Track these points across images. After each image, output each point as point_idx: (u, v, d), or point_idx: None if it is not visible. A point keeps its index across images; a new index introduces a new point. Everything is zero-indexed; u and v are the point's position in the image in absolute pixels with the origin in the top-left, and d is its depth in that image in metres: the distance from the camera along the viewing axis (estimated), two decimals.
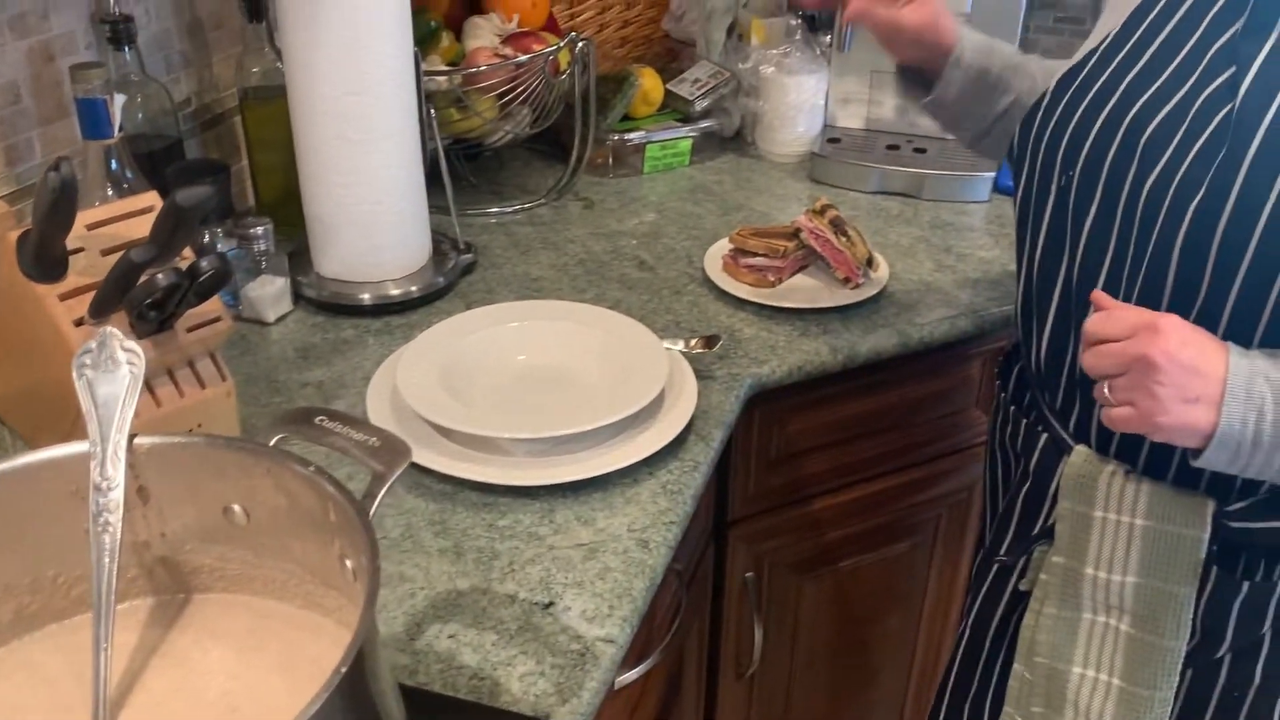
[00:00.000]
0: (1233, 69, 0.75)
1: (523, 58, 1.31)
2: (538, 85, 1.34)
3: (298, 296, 1.20)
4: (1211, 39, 0.77)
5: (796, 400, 1.18)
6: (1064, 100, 0.85)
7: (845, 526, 1.31)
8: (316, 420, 0.63)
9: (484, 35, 1.37)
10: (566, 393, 1.01)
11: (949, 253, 1.33)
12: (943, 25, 1.00)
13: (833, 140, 1.56)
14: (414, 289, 1.20)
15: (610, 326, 1.07)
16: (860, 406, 1.24)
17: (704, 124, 1.57)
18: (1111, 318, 0.73)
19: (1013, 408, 0.97)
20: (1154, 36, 0.81)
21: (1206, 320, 0.75)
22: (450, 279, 1.23)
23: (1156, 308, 0.77)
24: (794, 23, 1.58)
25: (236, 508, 0.65)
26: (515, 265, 1.30)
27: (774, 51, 1.56)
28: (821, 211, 1.24)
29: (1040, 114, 0.88)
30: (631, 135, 1.53)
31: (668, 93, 1.58)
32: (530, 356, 1.04)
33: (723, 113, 1.60)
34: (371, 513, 0.59)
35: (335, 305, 1.19)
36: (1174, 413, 0.70)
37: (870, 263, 1.23)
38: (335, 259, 1.19)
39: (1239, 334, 0.74)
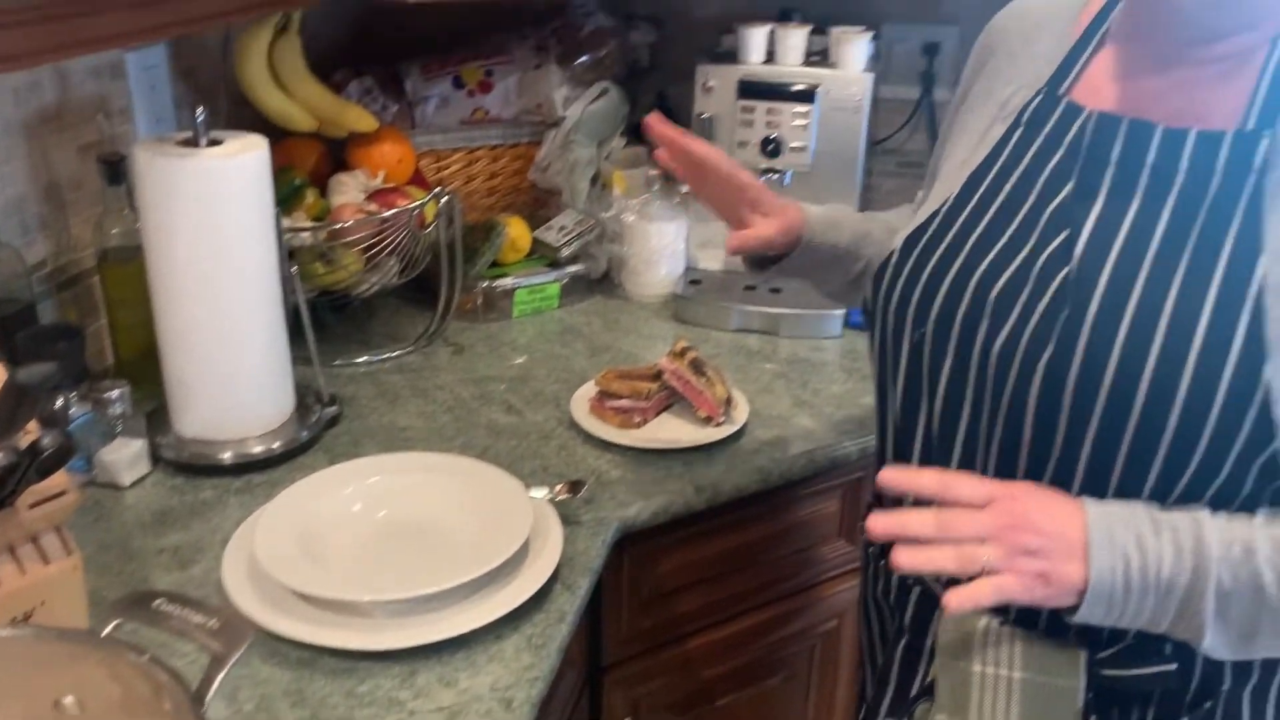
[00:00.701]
0: (1067, 231, 0.80)
1: (387, 213, 1.34)
2: (403, 238, 1.37)
3: (157, 458, 1.18)
4: (1047, 200, 0.83)
5: (665, 540, 1.20)
6: (911, 260, 0.89)
7: (720, 664, 1.31)
8: (154, 604, 0.62)
9: (349, 191, 1.40)
10: (429, 548, 1.01)
11: (805, 388, 1.39)
12: (794, 218, 1.05)
13: (694, 282, 1.62)
14: (276, 445, 1.19)
15: (474, 476, 1.07)
16: (727, 543, 1.26)
17: (571, 269, 1.62)
18: (965, 484, 0.75)
19: (882, 562, 0.98)
20: (993, 198, 0.86)
21: (1065, 467, 0.78)
22: (314, 432, 1.22)
23: (1016, 457, 0.81)
24: (652, 173, 1.66)
25: (69, 699, 0.62)
26: (382, 415, 1.30)
27: (635, 201, 1.63)
28: (681, 353, 1.28)
29: (889, 273, 0.91)
30: (500, 281, 1.56)
31: (536, 240, 1.63)
32: (392, 512, 1.04)
33: (589, 257, 1.65)
34: (208, 698, 0.58)
35: (195, 466, 1.17)
36: (1052, 574, 0.73)
37: (729, 401, 1.27)
38: (195, 418, 1.17)
39: (1096, 480, 0.77)
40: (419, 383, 1.38)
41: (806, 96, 1.47)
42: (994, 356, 0.81)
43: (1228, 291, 0.74)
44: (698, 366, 1.27)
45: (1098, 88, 0.85)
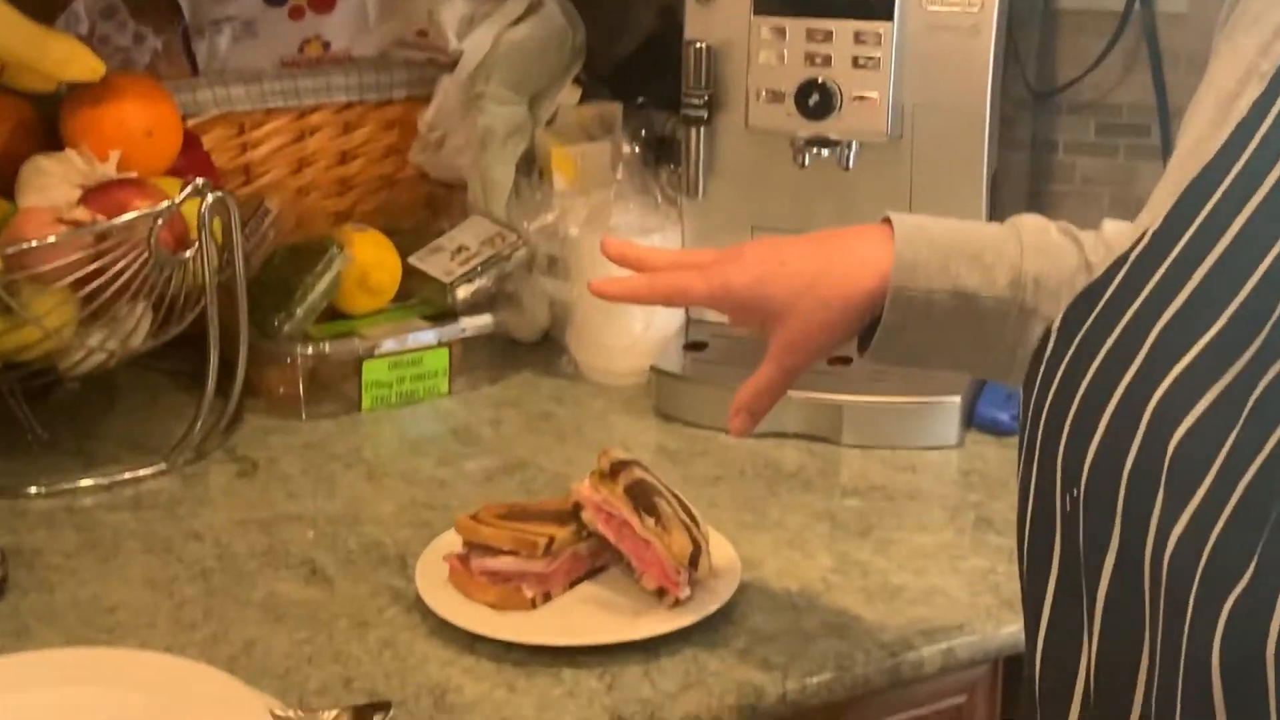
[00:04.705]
0: None
1: (106, 223, 1.39)
2: (143, 269, 1.42)
3: None
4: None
5: None
6: (1067, 356, 0.89)
7: None
8: None
9: (52, 187, 1.46)
10: None
11: (866, 538, 1.39)
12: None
13: (694, 346, 1.65)
14: None
15: (186, 695, 1.10)
16: None
17: (473, 323, 1.66)
18: None
19: None
20: (1216, 235, 0.85)
21: None
22: None
23: None
24: (627, 149, 1.70)
25: None
26: (82, 583, 1.34)
27: (589, 199, 1.67)
28: (613, 473, 1.29)
29: (1039, 379, 0.91)
30: (339, 346, 1.61)
31: (412, 271, 1.68)
32: None
33: (510, 303, 1.69)
34: None
35: None
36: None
37: (695, 560, 1.27)
38: None
39: None
40: (163, 527, 1.43)
41: (879, 9, 1.50)
42: (1167, 558, 0.79)
43: None
44: (640, 496, 1.28)
45: None
